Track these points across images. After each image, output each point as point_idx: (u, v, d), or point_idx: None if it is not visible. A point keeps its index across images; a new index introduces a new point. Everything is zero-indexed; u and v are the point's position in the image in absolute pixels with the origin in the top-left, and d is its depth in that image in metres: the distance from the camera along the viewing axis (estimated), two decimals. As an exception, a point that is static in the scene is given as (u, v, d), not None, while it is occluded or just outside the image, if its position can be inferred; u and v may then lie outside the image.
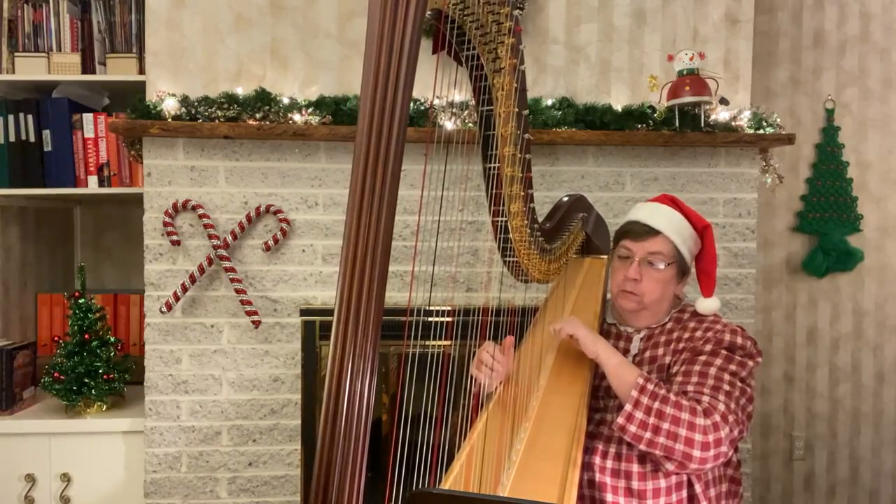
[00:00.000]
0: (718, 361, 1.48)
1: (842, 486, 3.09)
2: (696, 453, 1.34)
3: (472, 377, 1.59)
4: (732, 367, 1.47)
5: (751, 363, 1.51)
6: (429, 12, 1.14)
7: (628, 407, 1.37)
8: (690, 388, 1.44)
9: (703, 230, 1.64)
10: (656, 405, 1.36)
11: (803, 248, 3.07)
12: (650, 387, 1.39)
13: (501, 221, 1.41)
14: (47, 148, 2.48)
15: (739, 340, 1.53)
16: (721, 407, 1.39)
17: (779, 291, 3.07)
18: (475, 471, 1.29)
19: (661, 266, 1.59)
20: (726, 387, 1.43)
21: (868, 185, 3.05)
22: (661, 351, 1.60)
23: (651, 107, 2.35)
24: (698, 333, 1.57)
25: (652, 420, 1.35)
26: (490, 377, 1.53)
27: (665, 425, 1.35)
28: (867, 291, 3.07)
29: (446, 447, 1.27)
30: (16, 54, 2.49)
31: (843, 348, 3.08)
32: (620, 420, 1.38)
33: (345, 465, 0.76)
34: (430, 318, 2.16)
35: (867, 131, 3.05)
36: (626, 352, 1.65)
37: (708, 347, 1.52)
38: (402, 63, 0.78)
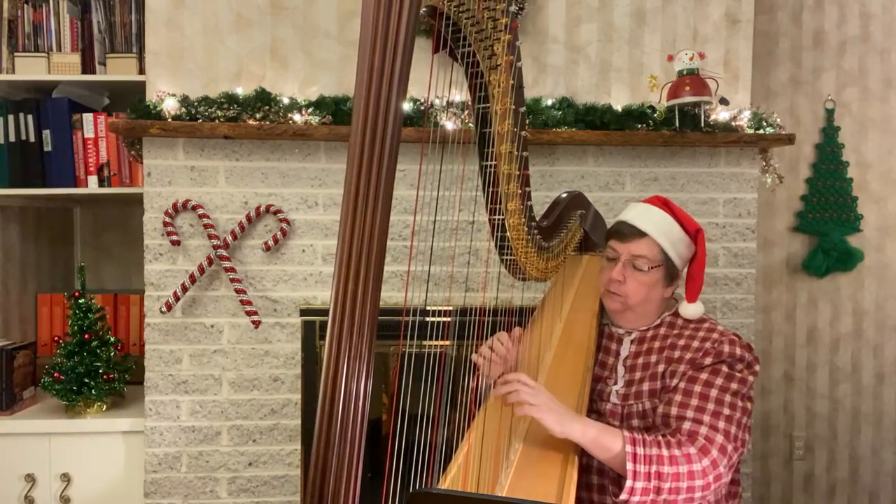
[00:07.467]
0: (719, 381, 1.46)
1: (842, 486, 3.08)
2: (699, 493, 1.36)
3: (473, 365, 1.57)
4: (734, 386, 1.45)
5: (751, 378, 1.50)
6: (423, 9, 1.13)
7: (629, 482, 1.33)
8: (690, 413, 1.42)
9: (695, 234, 1.61)
10: (654, 468, 1.34)
11: (803, 248, 3.06)
12: (641, 451, 1.35)
13: (498, 219, 1.40)
14: (47, 148, 2.48)
15: (738, 351, 1.50)
16: (719, 438, 1.38)
17: (779, 291, 3.07)
18: (473, 470, 1.29)
19: (645, 269, 1.56)
20: (727, 410, 1.42)
21: (868, 185, 3.05)
22: (654, 358, 1.57)
23: (651, 107, 2.35)
24: (695, 343, 1.54)
25: (653, 484, 1.34)
26: (489, 365, 1.52)
27: (667, 485, 1.34)
28: (867, 291, 3.07)
29: (444, 446, 1.27)
30: (16, 54, 2.49)
31: (843, 348, 3.08)
32: (624, 496, 1.35)
33: (340, 466, 0.75)
34: (428, 318, 2.16)
35: (867, 131, 3.05)
36: (616, 353, 1.64)
37: (708, 361, 1.49)
38: (396, 61, 0.77)
